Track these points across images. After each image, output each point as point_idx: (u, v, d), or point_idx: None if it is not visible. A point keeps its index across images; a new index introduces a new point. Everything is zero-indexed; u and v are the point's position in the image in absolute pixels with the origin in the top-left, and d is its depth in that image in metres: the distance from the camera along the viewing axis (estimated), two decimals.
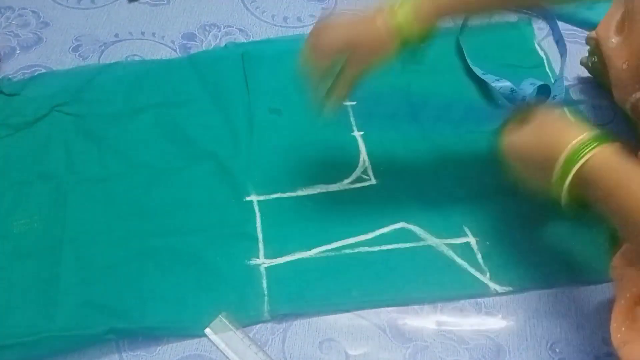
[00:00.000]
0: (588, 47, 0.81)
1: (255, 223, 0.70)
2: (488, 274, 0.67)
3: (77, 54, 0.85)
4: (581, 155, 0.56)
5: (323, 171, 0.74)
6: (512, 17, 0.87)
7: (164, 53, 0.85)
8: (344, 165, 0.75)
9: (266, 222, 0.70)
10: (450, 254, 0.68)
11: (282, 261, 0.67)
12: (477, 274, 0.67)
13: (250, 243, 0.68)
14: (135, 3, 0.91)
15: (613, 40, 0.71)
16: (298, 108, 0.78)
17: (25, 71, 0.82)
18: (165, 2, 0.92)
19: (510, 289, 0.66)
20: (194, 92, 0.80)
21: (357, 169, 0.75)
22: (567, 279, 0.67)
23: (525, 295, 0.66)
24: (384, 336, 0.64)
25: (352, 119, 0.79)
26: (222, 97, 0.80)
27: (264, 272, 0.66)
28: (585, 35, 0.82)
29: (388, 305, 0.65)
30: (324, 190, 0.73)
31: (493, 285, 0.66)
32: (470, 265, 0.67)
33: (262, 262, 0.67)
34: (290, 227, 0.70)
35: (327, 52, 0.63)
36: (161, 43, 0.87)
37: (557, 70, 0.83)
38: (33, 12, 0.89)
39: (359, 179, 0.74)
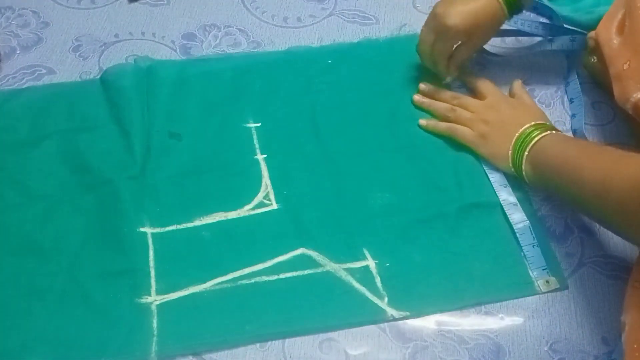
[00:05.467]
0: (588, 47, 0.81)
1: (147, 257, 0.67)
2: (386, 299, 0.65)
3: (77, 54, 0.85)
4: (532, 136, 0.69)
5: (222, 198, 0.71)
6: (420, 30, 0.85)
7: (164, 53, 0.85)
8: (245, 190, 0.72)
9: (159, 255, 0.67)
10: (349, 279, 0.66)
11: (175, 297, 0.64)
12: (375, 299, 0.65)
13: (141, 279, 0.65)
14: (135, 3, 0.91)
15: (614, 40, 0.71)
16: (199, 132, 0.77)
17: (26, 71, 0.83)
18: (165, 2, 0.92)
19: (408, 313, 0.64)
20: (101, 116, 0.78)
21: (259, 194, 0.72)
22: (469, 300, 0.66)
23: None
24: (384, 336, 0.64)
25: (255, 141, 0.77)
26: (125, 119, 0.77)
27: (155, 310, 0.63)
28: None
29: (284, 337, 0.63)
30: (222, 218, 0.70)
31: (390, 311, 0.64)
32: (369, 290, 0.65)
33: (154, 299, 0.64)
34: (185, 260, 0.67)
35: (450, 43, 0.76)
36: (161, 43, 0.87)
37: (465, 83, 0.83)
38: (33, 12, 0.89)
39: (260, 204, 0.71)
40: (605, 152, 0.64)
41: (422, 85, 0.81)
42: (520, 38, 0.88)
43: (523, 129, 0.70)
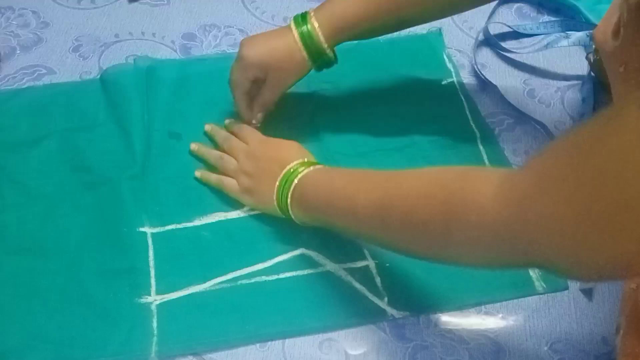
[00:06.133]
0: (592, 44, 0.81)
1: (147, 257, 0.67)
2: (386, 299, 0.65)
3: (77, 54, 0.85)
4: (296, 174, 0.65)
5: (223, 197, 0.71)
6: (421, 29, 0.87)
7: (164, 53, 0.85)
8: None
9: (159, 255, 0.67)
10: (349, 279, 0.66)
11: (175, 296, 0.64)
12: (375, 299, 0.65)
13: (141, 279, 0.65)
14: (135, 3, 0.91)
15: (610, 44, 0.71)
16: (198, 132, 0.77)
17: (26, 71, 0.82)
18: (165, 2, 0.92)
19: (408, 313, 0.64)
20: (101, 116, 0.78)
21: None
22: (469, 300, 0.66)
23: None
24: (384, 336, 0.64)
25: None
26: (125, 119, 0.77)
27: (155, 310, 0.63)
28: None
29: (284, 337, 0.63)
30: (222, 218, 0.70)
31: (390, 311, 0.64)
32: (369, 290, 0.65)
33: (154, 299, 0.64)
34: (184, 260, 0.67)
35: (245, 75, 0.71)
36: (161, 43, 0.87)
37: (465, 83, 0.83)
38: (33, 12, 0.89)
39: None
40: (376, 175, 0.60)
41: (207, 126, 0.76)
42: (521, 39, 0.88)
43: (286, 169, 0.66)
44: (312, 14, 0.70)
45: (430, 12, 0.73)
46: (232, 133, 0.75)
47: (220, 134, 0.75)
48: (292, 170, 0.66)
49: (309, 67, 0.71)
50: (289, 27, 0.70)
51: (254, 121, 0.75)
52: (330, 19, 0.69)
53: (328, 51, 0.70)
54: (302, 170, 0.65)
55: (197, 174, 0.73)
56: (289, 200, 0.64)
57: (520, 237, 0.46)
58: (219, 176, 0.72)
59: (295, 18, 0.70)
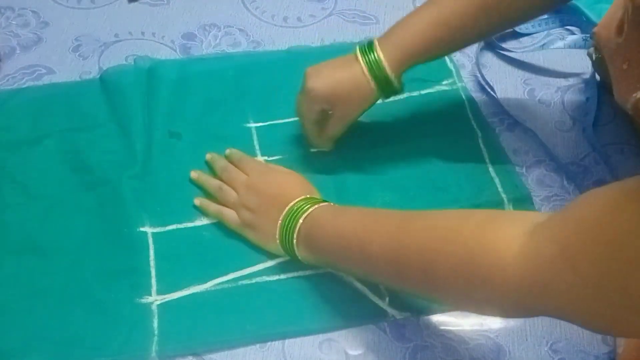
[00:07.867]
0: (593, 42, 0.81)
1: (148, 257, 0.67)
2: (387, 299, 0.65)
3: (77, 54, 0.85)
4: (303, 210, 0.62)
5: None
6: None
7: (164, 53, 0.85)
8: None
9: (160, 255, 0.67)
10: (350, 279, 0.66)
11: (176, 296, 0.64)
12: (376, 299, 0.65)
13: (142, 279, 0.65)
14: (135, 3, 0.91)
15: (614, 41, 0.71)
16: (198, 132, 0.77)
17: (25, 71, 0.82)
18: (165, 2, 0.92)
19: (409, 314, 0.64)
20: (101, 116, 0.78)
21: None
22: None
23: None
24: (384, 336, 0.64)
25: (255, 141, 0.77)
26: (126, 119, 0.77)
27: (156, 310, 0.63)
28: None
29: (284, 337, 0.63)
30: None
31: (391, 311, 0.64)
32: (370, 290, 0.65)
33: (155, 299, 0.64)
34: (185, 260, 0.67)
35: (311, 108, 0.69)
36: (161, 43, 0.87)
37: (466, 82, 0.83)
38: (33, 12, 0.89)
39: None
40: (387, 218, 0.59)
41: (207, 155, 0.74)
42: (521, 38, 0.88)
43: (289, 207, 0.63)
44: (376, 43, 0.67)
45: (490, 29, 0.73)
46: (232, 163, 0.72)
47: (219, 163, 0.72)
48: (296, 208, 0.63)
49: (376, 97, 0.69)
50: (354, 56, 0.68)
51: (324, 149, 0.74)
52: (399, 48, 0.67)
53: (395, 82, 0.68)
54: (307, 209, 0.62)
55: (197, 202, 0.70)
56: (294, 240, 0.62)
57: (545, 302, 0.46)
58: (219, 207, 0.69)
59: (361, 48, 0.68)
